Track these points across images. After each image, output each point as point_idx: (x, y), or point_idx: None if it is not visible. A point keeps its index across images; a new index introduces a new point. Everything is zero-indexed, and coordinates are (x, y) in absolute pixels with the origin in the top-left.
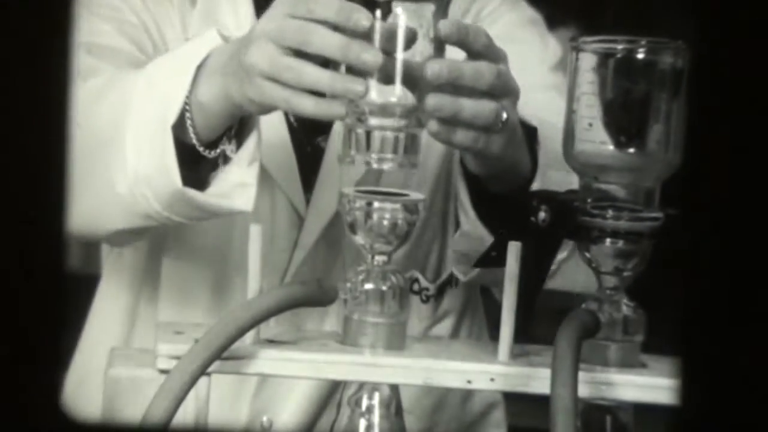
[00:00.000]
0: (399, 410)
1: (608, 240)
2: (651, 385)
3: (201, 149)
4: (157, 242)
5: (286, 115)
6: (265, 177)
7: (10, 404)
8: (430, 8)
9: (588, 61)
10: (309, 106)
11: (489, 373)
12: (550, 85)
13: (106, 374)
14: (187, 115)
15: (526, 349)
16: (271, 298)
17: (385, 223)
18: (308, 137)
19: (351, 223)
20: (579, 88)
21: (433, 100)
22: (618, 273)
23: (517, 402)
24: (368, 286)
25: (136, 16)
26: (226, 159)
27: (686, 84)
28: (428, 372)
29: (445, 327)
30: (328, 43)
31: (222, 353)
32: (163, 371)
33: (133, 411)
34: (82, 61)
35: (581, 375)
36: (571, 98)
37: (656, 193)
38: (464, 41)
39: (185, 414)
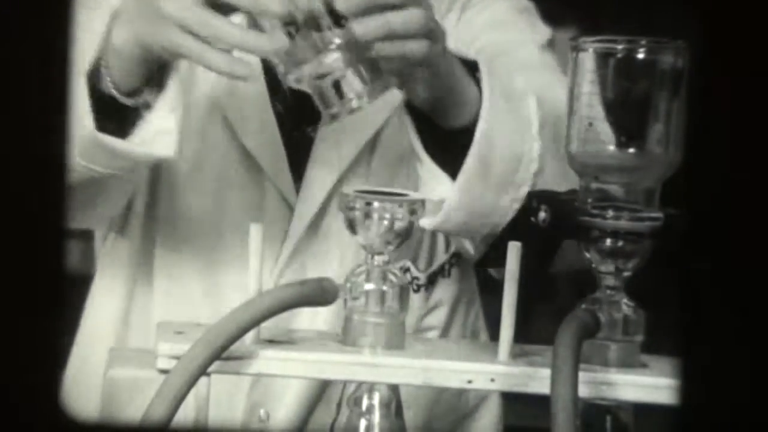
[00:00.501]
0: (399, 410)
1: (608, 240)
2: (651, 385)
3: (119, 96)
4: (149, 238)
5: (274, 104)
6: (254, 167)
7: (10, 404)
8: None
9: (588, 61)
10: (221, 63)
11: (489, 373)
12: (544, 65)
13: (106, 374)
14: (102, 62)
15: (526, 349)
16: (271, 298)
17: (385, 223)
18: (297, 126)
19: (351, 223)
20: (579, 88)
21: (359, 28)
22: (618, 273)
23: (516, 402)
24: (368, 286)
25: None
26: (145, 105)
27: (686, 84)
28: (428, 372)
29: (437, 318)
30: None
31: (222, 353)
32: (163, 371)
33: (133, 411)
34: None
35: (581, 375)
36: (571, 98)
37: (656, 193)
38: (375, 3)
39: (185, 414)
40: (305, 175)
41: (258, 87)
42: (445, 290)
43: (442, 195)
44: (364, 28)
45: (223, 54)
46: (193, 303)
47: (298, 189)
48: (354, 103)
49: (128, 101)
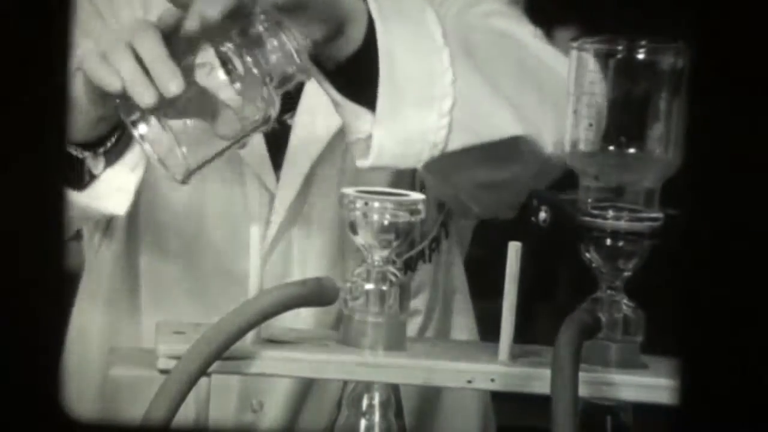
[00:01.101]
0: (399, 410)
1: (608, 240)
2: (651, 385)
3: (75, 150)
4: (132, 235)
5: None
6: (234, 156)
7: (10, 404)
8: None
9: (589, 61)
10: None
11: (489, 373)
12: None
13: (106, 374)
14: None
15: (526, 349)
16: (271, 298)
17: (385, 223)
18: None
19: (351, 223)
20: (579, 88)
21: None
22: (618, 273)
23: (516, 402)
24: (368, 286)
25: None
26: (108, 161)
27: (686, 84)
28: (428, 372)
29: (420, 302)
30: None
31: (222, 353)
32: (163, 371)
33: (133, 411)
34: None
35: (581, 375)
36: (571, 98)
37: (656, 193)
38: None
39: (185, 414)
40: (284, 161)
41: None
42: (425, 275)
43: (368, 131)
44: None
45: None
46: (177, 302)
47: (278, 177)
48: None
49: (85, 154)
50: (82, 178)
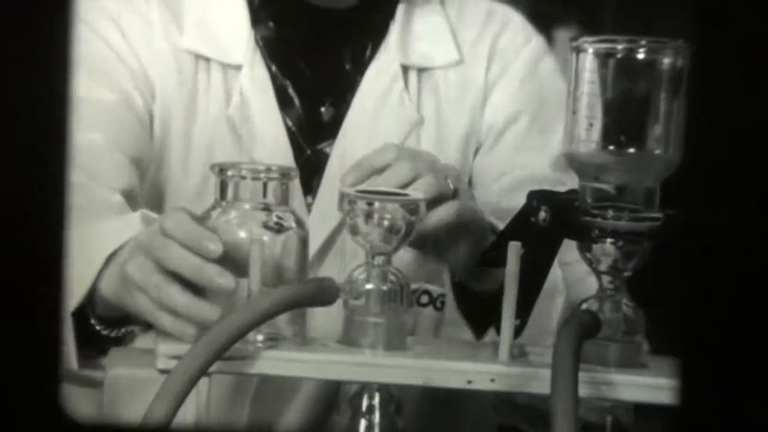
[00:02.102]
0: (399, 410)
1: (608, 240)
2: (651, 385)
3: (102, 330)
4: None
5: (284, 119)
6: None
7: (11, 404)
8: None
9: (588, 61)
10: (167, 324)
11: (489, 373)
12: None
13: (106, 374)
14: (88, 305)
15: (526, 349)
16: (272, 298)
17: (386, 223)
18: (308, 142)
19: (351, 223)
20: (579, 88)
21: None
22: (618, 273)
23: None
24: (368, 286)
25: (122, 63)
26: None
27: (686, 84)
28: (428, 372)
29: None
30: (184, 264)
31: (223, 354)
32: (163, 371)
33: (133, 411)
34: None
35: (581, 375)
36: (571, 98)
37: (656, 193)
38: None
39: (185, 414)
40: (318, 192)
41: (268, 101)
42: None
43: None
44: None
45: (170, 317)
46: None
47: (308, 205)
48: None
49: (111, 333)
50: (104, 351)
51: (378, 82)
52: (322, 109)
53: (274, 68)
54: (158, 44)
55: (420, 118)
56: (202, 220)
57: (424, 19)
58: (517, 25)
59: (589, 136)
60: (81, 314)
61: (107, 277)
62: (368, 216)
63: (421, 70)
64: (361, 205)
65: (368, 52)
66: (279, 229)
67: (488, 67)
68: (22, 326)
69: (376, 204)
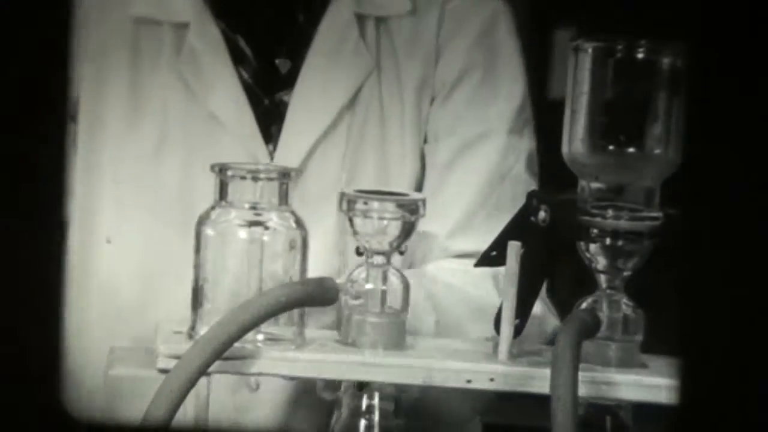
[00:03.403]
0: (399, 410)
1: (608, 240)
2: (651, 384)
3: None
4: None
5: (239, 72)
6: (224, 135)
7: (11, 404)
8: None
9: (587, 61)
10: None
11: (489, 372)
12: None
13: (106, 374)
14: None
15: (526, 349)
16: (271, 298)
17: (385, 222)
18: (265, 92)
19: (351, 222)
20: (579, 88)
21: None
22: (618, 273)
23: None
24: (368, 286)
25: None
26: None
27: (686, 83)
28: (428, 372)
29: None
30: None
31: (222, 353)
32: (163, 371)
33: (133, 411)
34: None
35: (581, 375)
36: (571, 98)
37: (656, 193)
38: None
39: (185, 414)
40: (280, 140)
41: (219, 56)
42: None
43: None
44: None
45: None
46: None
47: (270, 153)
48: None
49: None
50: None
51: (332, 32)
52: (277, 62)
53: (223, 25)
54: (110, 10)
55: (374, 65)
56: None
57: None
58: None
59: (589, 135)
60: None
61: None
62: (367, 215)
63: (378, 19)
64: (360, 204)
65: (319, 2)
66: (278, 228)
67: (440, 22)
68: (23, 326)
69: (375, 203)
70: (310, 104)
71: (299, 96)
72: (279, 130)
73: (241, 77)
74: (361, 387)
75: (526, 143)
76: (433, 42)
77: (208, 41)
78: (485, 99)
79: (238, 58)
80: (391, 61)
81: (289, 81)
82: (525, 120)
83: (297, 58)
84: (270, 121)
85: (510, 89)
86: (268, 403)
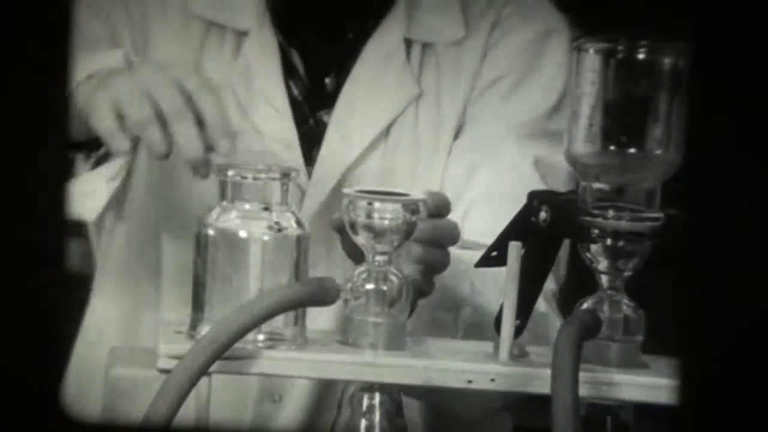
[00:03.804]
0: (399, 410)
1: (608, 240)
2: (651, 385)
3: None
4: (153, 225)
5: (289, 88)
6: (263, 148)
7: (12, 405)
8: None
9: (589, 61)
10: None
11: (489, 373)
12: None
13: (107, 374)
14: None
15: (527, 349)
16: (272, 298)
17: (386, 223)
18: (311, 111)
19: (352, 223)
20: (580, 88)
21: (417, 250)
22: (618, 273)
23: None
24: (369, 286)
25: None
26: (99, 162)
27: (686, 84)
28: (428, 372)
29: None
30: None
31: (223, 353)
32: (163, 371)
33: (133, 411)
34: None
35: (581, 375)
36: (571, 98)
37: (656, 193)
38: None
39: (186, 414)
40: (318, 158)
41: (273, 69)
42: None
43: None
44: (419, 253)
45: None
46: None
47: (309, 173)
48: None
49: (77, 154)
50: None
51: (378, 53)
52: (327, 80)
53: (280, 37)
54: (170, 7)
55: (419, 91)
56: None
57: None
58: None
59: (590, 136)
60: None
61: (84, 86)
62: (368, 215)
63: (425, 44)
64: (362, 204)
65: (371, 22)
66: (279, 229)
67: (489, 35)
68: (23, 326)
69: (377, 204)
70: (347, 129)
71: (337, 119)
72: (318, 153)
73: (290, 93)
74: (371, 387)
75: (543, 151)
76: (476, 71)
77: (264, 52)
78: (514, 101)
79: (290, 73)
80: (432, 87)
81: (333, 100)
82: (548, 131)
83: (344, 76)
84: (312, 142)
85: (543, 95)
86: (291, 415)
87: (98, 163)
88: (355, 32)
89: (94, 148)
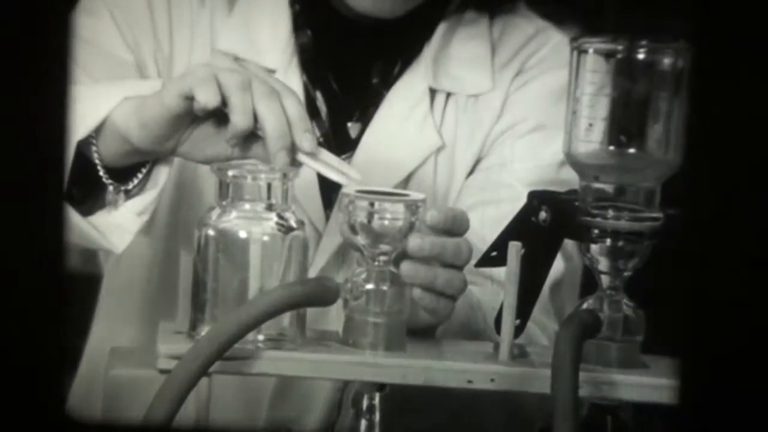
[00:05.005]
0: (401, 410)
1: (608, 240)
2: (651, 385)
3: (100, 168)
4: (173, 240)
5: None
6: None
7: (14, 405)
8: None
9: (589, 61)
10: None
11: (489, 373)
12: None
13: (106, 374)
14: (93, 137)
15: (526, 349)
16: (272, 298)
17: (386, 223)
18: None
19: (352, 223)
20: (579, 89)
21: (407, 267)
22: (618, 273)
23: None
24: (369, 286)
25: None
26: (128, 195)
27: (686, 84)
28: (428, 372)
29: None
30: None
31: (223, 353)
32: (163, 371)
33: (133, 411)
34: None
35: (581, 375)
36: (571, 98)
37: (656, 193)
38: (450, 229)
39: (186, 414)
40: (336, 203)
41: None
42: None
43: None
44: (412, 271)
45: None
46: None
47: (327, 216)
48: None
49: (105, 180)
50: (89, 204)
51: (402, 102)
52: (349, 124)
53: (306, 77)
54: (197, 42)
55: (441, 144)
56: None
57: (464, 43)
58: (555, 46)
59: (589, 136)
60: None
61: (123, 106)
62: (369, 216)
63: (448, 94)
64: (362, 204)
65: (397, 69)
66: (279, 229)
67: (510, 85)
68: (23, 326)
69: (377, 204)
70: (366, 177)
71: (357, 161)
72: (336, 197)
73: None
74: (381, 388)
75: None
76: (494, 122)
77: None
78: (527, 147)
79: (313, 114)
80: (451, 137)
81: (354, 145)
82: (557, 179)
83: (367, 121)
84: (331, 186)
85: (557, 145)
86: None
87: (128, 196)
88: (381, 77)
89: (127, 179)
